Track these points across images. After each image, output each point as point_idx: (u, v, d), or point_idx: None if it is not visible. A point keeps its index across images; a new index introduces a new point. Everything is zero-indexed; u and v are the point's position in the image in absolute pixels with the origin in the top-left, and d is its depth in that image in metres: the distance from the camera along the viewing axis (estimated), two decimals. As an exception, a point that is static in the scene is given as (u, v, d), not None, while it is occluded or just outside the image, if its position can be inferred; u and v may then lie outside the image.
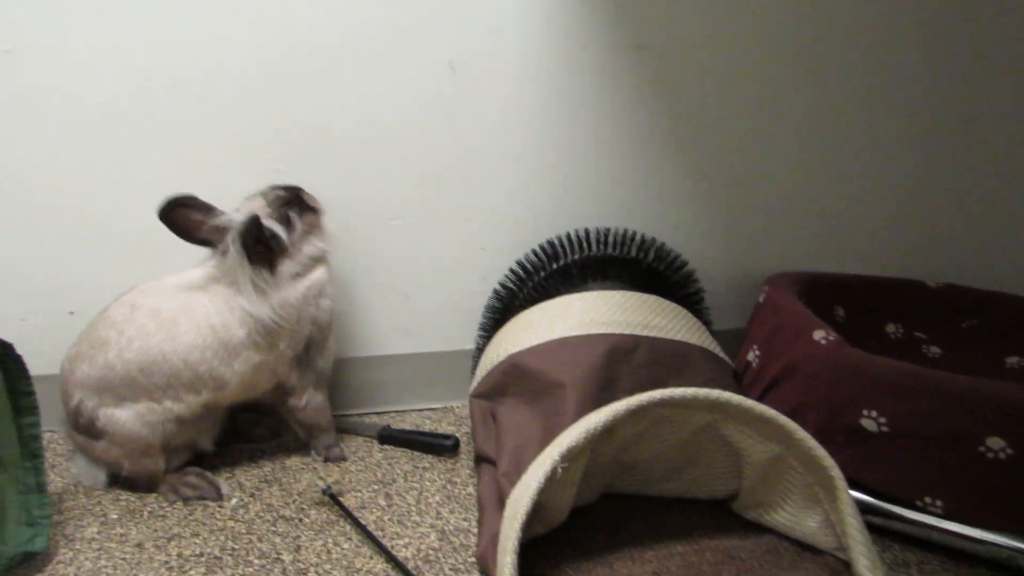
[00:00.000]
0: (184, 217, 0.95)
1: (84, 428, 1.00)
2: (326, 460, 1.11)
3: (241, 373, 1.01)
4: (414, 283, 1.15)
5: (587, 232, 1.19)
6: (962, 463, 0.82)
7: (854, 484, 0.89)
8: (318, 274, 1.05)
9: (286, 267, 1.02)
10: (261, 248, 0.99)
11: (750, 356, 1.09)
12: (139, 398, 0.98)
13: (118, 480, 1.05)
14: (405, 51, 1.11)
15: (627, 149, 1.20)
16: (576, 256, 1.18)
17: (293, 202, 1.04)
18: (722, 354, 1.06)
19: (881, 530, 0.90)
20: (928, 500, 0.85)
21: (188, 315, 0.99)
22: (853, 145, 1.27)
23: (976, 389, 0.81)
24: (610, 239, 1.18)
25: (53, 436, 1.17)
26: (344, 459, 1.11)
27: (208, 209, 0.96)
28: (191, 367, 0.98)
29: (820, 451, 0.75)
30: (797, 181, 1.27)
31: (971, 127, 1.30)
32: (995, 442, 0.81)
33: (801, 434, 0.74)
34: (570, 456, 0.76)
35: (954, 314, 1.25)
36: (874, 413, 0.86)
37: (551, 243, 1.19)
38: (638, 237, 1.19)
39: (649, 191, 1.22)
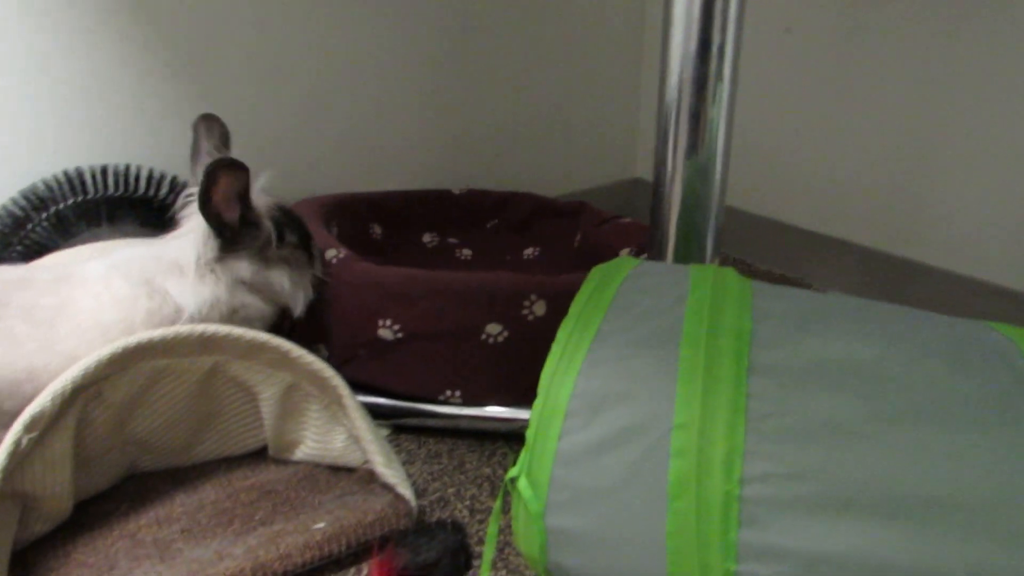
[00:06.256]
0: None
1: None
2: None
3: None
4: None
5: (79, 172, 1.03)
6: (469, 353, 0.88)
7: (383, 393, 0.92)
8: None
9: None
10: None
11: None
12: None
13: None
14: None
15: (113, 74, 1.05)
16: (71, 201, 1.02)
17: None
18: None
19: (418, 430, 0.94)
20: (449, 393, 0.90)
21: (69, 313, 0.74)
22: (371, 65, 1.28)
23: (470, 282, 0.87)
24: (109, 178, 1.04)
25: None
26: None
27: None
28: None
29: (319, 364, 0.74)
30: (313, 106, 1.24)
31: (478, 50, 1.38)
32: (493, 328, 0.87)
33: (297, 352, 0.72)
34: (37, 425, 0.64)
35: (478, 217, 1.35)
36: (388, 321, 0.88)
37: (36, 190, 1.00)
38: (143, 172, 1.06)
39: (148, 120, 1.09)
